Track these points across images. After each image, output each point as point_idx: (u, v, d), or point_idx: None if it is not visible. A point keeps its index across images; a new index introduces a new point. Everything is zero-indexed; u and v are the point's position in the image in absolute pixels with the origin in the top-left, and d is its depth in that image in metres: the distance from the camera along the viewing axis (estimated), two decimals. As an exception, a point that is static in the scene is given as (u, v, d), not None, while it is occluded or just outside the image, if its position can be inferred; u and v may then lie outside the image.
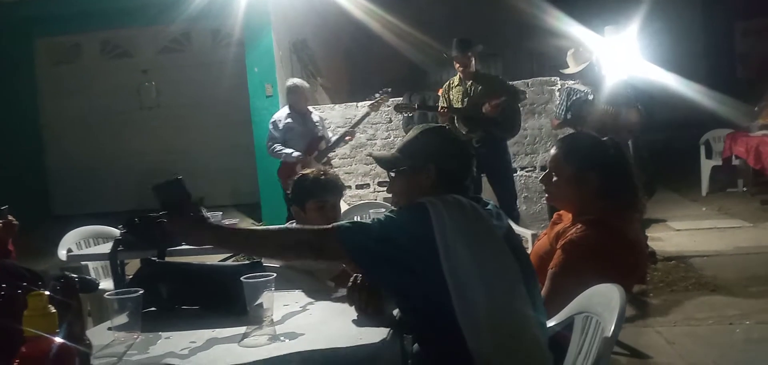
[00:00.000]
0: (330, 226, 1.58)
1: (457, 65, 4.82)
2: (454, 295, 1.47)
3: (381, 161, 1.88)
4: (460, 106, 4.82)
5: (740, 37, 10.50)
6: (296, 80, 5.26)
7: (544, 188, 2.03)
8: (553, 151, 2.02)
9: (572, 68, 4.71)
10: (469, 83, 4.83)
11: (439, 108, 4.92)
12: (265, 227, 1.70)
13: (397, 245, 1.51)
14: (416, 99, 5.15)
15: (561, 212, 2.10)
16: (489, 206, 1.68)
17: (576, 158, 1.95)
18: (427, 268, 1.49)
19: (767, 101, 6.75)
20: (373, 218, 1.59)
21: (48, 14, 7.03)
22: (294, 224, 2.48)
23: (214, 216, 3.57)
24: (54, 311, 1.05)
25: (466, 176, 1.74)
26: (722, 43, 10.36)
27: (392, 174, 1.76)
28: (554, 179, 1.98)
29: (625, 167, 1.99)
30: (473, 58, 4.81)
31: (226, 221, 3.35)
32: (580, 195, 1.94)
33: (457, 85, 4.89)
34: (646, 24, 6.29)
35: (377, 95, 5.26)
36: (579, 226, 1.91)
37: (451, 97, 4.90)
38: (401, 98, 6.24)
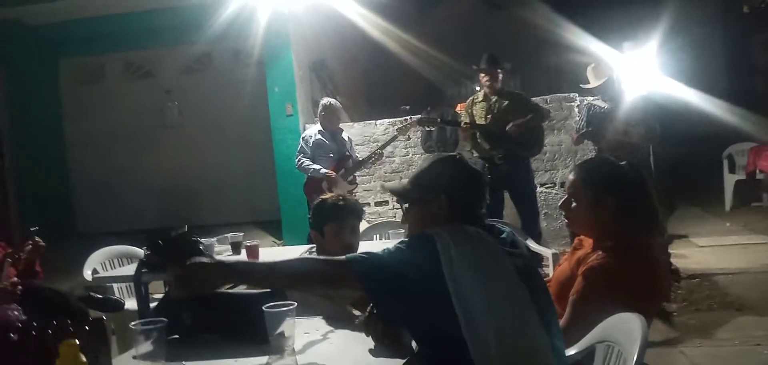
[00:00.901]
0: (343, 258, 1.58)
1: (484, 79, 4.81)
2: (464, 326, 1.47)
3: (394, 193, 1.90)
4: (483, 122, 4.81)
5: (760, 50, 10.34)
6: (331, 100, 5.35)
7: (563, 213, 2.03)
8: (571, 176, 2.02)
9: (592, 83, 4.70)
10: (494, 100, 4.82)
11: (462, 123, 4.92)
12: (277, 260, 1.68)
13: (406, 278, 1.52)
14: (435, 115, 5.16)
15: (582, 237, 2.09)
16: (504, 234, 1.69)
17: (594, 183, 1.95)
18: (436, 300, 1.50)
19: (791, 114, 6.63)
20: (384, 249, 1.60)
21: (72, 36, 7.21)
22: (313, 249, 2.51)
23: (234, 236, 3.63)
24: (85, 360, 1.06)
25: (480, 206, 1.75)
26: (742, 58, 10.21)
27: (405, 207, 1.78)
28: (573, 204, 1.98)
29: (644, 190, 1.98)
30: (501, 75, 4.81)
31: (248, 242, 3.40)
32: (600, 220, 1.93)
33: (481, 101, 4.88)
34: (666, 40, 6.25)
35: (406, 119, 5.31)
36: (599, 253, 1.90)
37: (475, 112, 4.88)
38: (420, 116, 6.28)
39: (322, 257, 1.68)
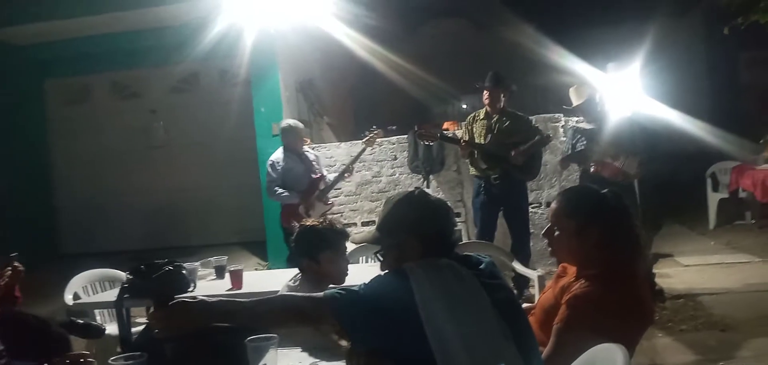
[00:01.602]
0: (321, 295, 1.60)
1: (486, 97, 4.81)
2: (440, 360, 1.48)
3: (367, 244, 1.91)
4: (482, 141, 4.80)
5: (744, 69, 10.53)
6: (290, 121, 5.25)
7: (547, 242, 2.03)
8: (553, 205, 2.03)
9: (574, 101, 4.75)
10: (495, 119, 4.81)
11: (461, 140, 4.93)
12: (257, 299, 1.68)
13: (382, 313, 1.54)
14: (424, 132, 5.11)
15: (565, 264, 2.10)
16: (482, 264, 1.69)
17: (577, 212, 1.96)
18: (411, 335, 1.51)
19: (772, 135, 6.74)
20: (360, 285, 1.61)
21: (58, 56, 7.17)
22: (299, 277, 2.49)
23: (218, 260, 3.59)
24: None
25: (451, 234, 1.75)
26: (726, 78, 10.39)
27: (380, 255, 1.78)
28: (556, 233, 1.99)
29: (626, 217, 1.99)
30: (503, 95, 4.81)
31: (232, 267, 3.36)
32: (583, 249, 1.94)
33: (482, 119, 4.87)
34: (649, 61, 6.34)
35: (368, 131, 5.25)
36: (582, 281, 1.91)
37: (475, 130, 4.87)
38: (406, 135, 6.30)
39: (301, 294, 1.68)
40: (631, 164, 4.43)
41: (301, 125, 5.23)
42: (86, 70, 7.47)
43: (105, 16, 6.42)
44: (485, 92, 4.80)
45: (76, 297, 3.59)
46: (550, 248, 2.03)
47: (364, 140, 5.27)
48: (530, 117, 5.14)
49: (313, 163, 5.14)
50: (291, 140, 5.05)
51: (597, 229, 1.91)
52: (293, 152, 5.05)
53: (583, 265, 1.94)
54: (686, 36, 10.44)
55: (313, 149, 5.67)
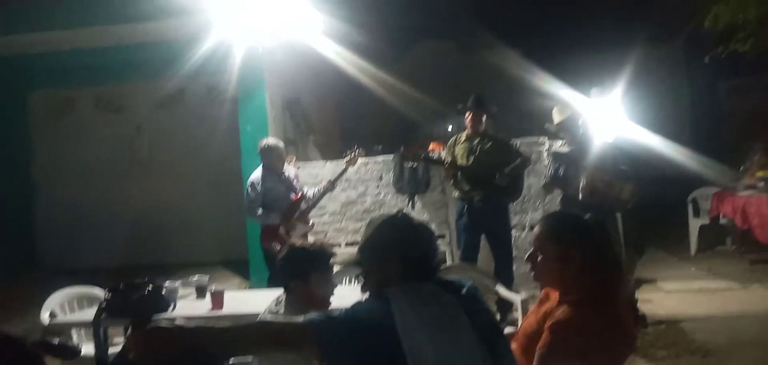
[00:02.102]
0: (301, 320, 1.58)
1: (469, 119, 4.85)
2: None
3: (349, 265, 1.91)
4: (464, 163, 4.83)
5: (725, 97, 10.74)
6: (269, 140, 5.17)
7: (530, 266, 2.04)
8: (536, 230, 2.03)
9: (557, 119, 4.80)
10: (476, 141, 4.85)
11: (444, 162, 4.94)
12: (237, 325, 1.64)
13: (362, 339, 1.53)
14: (407, 155, 5.12)
15: (548, 289, 2.10)
16: (464, 289, 1.69)
17: (560, 237, 1.97)
18: (392, 360, 1.50)
19: (752, 161, 6.85)
20: (341, 310, 1.60)
21: (43, 68, 7.10)
22: (282, 299, 2.47)
23: (200, 280, 3.55)
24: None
25: (433, 257, 1.75)
26: (707, 105, 10.59)
27: (361, 276, 1.78)
28: (539, 257, 2.00)
29: (608, 244, 2.01)
30: (485, 118, 4.86)
31: (213, 287, 3.32)
32: (565, 274, 1.95)
33: (464, 141, 4.91)
34: (631, 87, 6.44)
35: (349, 152, 5.20)
36: (565, 306, 1.91)
37: (457, 152, 4.90)
38: (392, 155, 6.30)
39: (281, 320, 1.66)
40: (625, 190, 4.47)
41: (281, 144, 5.16)
42: (71, 84, 7.41)
43: (93, 30, 6.38)
44: (467, 114, 4.85)
45: (52, 315, 3.52)
46: (533, 273, 2.03)
47: (346, 160, 5.23)
48: (513, 140, 5.18)
49: (293, 182, 5.08)
50: (270, 159, 4.97)
51: (579, 254, 1.92)
52: (273, 172, 4.97)
53: (566, 290, 1.95)
54: (668, 63, 10.65)
55: (297, 168, 5.64)
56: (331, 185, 5.16)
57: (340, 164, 6.33)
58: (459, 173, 4.83)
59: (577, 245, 1.94)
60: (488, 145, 4.84)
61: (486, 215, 4.83)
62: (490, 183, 4.73)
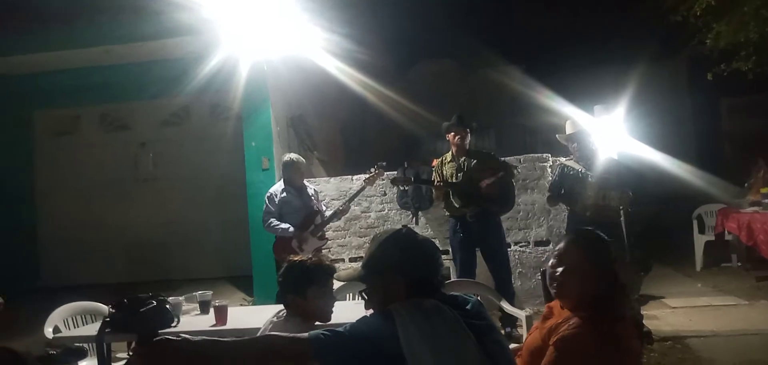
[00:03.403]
0: (305, 336, 1.57)
1: (454, 138, 4.89)
2: None
3: (353, 281, 1.90)
4: (454, 181, 4.88)
5: (727, 115, 10.75)
6: (292, 155, 5.30)
7: (556, 281, 1.99)
8: (561, 245, 2.02)
9: (569, 130, 4.82)
10: (462, 159, 4.92)
11: (435, 182, 4.97)
12: (241, 340, 1.66)
13: (366, 356, 1.52)
14: (411, 173, 5.19)
15: (553, 305, 2.09)
16: (468, 305, 1.68)
17: (585, 252, 1.96)
18: None
19: (756, 178, 6.84)
20: (345, 326, 1.59)
21: (48, 87, 7.15)
22: (283, 313, 2.46)
23: (203, 295, 3.55)
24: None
25: (436, 274, 1.74)
26: (709, 123, 10.60)
27: (365, 293, 1.77)
28: (560, 270, 1.98)
29: (618, 264, 2.01)
30: (468, 134, 4.90)
31: (217, 302, 3.32)
32: (582, 289, 1.93)
33: (450, 161, 4.98)
34: (635, 105, 6.46)
35: (372, 170, 5.29)
36: (572, 322, 1.90)
37: (445, 172, 4.96)
38: (396, 172, 6.31)
39: (283, 335, 1.65)
40: (620, 198, 4.47)
41: (303, 160, 5.29)
42: (75, 102, 7.46)
43: (98, 49, 6.44)
44: (451, 133, 4.89)
45: (56, 330, 3.51)
46: (553, 286, 2.01)
47: (365, 179, 5.31)
48: (517, 157, 5.20)
49: (312, 198, 5.18)
50: (290, 173, 5.10)
51: (598, 271, 1.92)
52: (292, 185, 5.10)
53: (578, 306, 1.94)
54: (670, 81, 10.68)
55: (316, 185, 5.71)
56: (347, 206, 5.28)
57: (345, 181, 6.38)
58: (450, 190, 4.86)
59: (598, 260, 1.94)
60: (474, 161, 4.89)
61: (479, 231, 4.85)
62: (482, 198, 4.76)
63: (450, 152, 5.01)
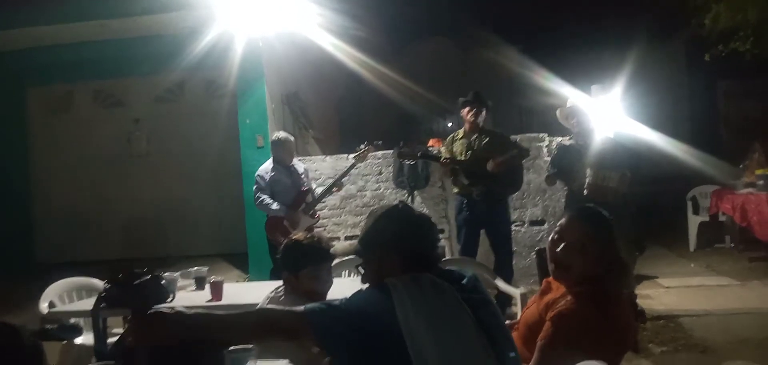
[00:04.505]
0: (301, 310, 1.56)
1: (468, 115, 4.83)
2: None
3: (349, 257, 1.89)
4: (463, 159, 4.85)
5: (723, 98, 10.76)
6: (281, 134, 5.28)
7: (557, 257, 1.97)
8: (563, 220, 2.01)
9: (568, 105, 4.80)
10: (474, 137, 4.85)
11: (442, 159, 4.95)
12: (235, 313, 1.65)
13: (363, 330, 1.51)
14: (409, 149, 5.14)
15: (551, 280, 2.09)
16: (464, 279, 1.68)
17: (587, 227, 1.96)
18: (392, 352, 1.49)
19: (751, 160, 6.85)
20: (341, 300, 1.58)
21: (41, 64, 7.07)
22: (281, 289, 2.46)
23: (199, 271, 3.54)
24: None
25: (432, 250, 1.74)
26: (706, 105, 10.61)
27: (361, 270, 1.76)
28: (561, 246, 1.96)
29: (618, 241, 2.01)
30: (483, 112, 4.86)
31: (212, 278, 3.32)
32: (583, 264, 1.93)
33: (461, 138, 4.91)
34: (632, 85, 6.45)
35: (362, 146, 5.26)
36: (569, 298, 1.90)
37: (455, 149, 4.90)
38: (391, 151, 6.30)
39: (279, 308, 1.65)
40: (616, 179, 4.46)
41: (291, 138, 5.27)
42: (69, 78, 7.38)
43: (92, 24, 6.36)
44: (466, 109, 4.85)
45: (51, 305, 3.51)
46: (552, 262, 2.00)
47: (355, 155, 5.28)
48: (514, 137, 5.17)
49: (302, 176, 5.17)
50: (280, 152, 5.08)
51: (599, 246, 1.92)
52: (282, 164, 5.08)
53: (577, 281, 1.93)
54: (668, 62, 10.67)
55: (306, 163, 5.69)
56: (340, 182, 5.27)
57: (340, 159, 6.36)
58: (458, 168, 4.83)
59: (599, 237, 1.94)
60: (486, 140, 4.84)
61: (485, 210, 4.82)
62: (490, 178, 4.73)
63: (462, 129, 4.94)
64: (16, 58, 6.95)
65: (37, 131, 7.67)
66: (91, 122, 7.57)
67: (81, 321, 3.54)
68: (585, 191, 4.46)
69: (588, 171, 4.50)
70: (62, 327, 2.83)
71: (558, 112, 4.91)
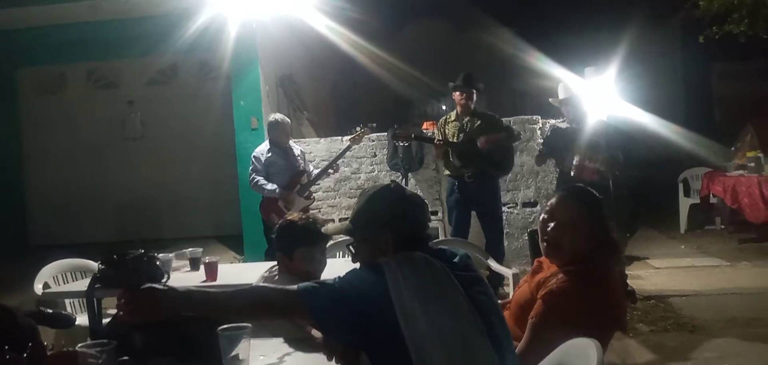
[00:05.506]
0: (294, 288, 1.57)
1: (459, 97, 4.86)
2: (414, 355, 1.48)
3: (339, 234, 1.89)
4: (455, 140, 4.87)
5: (717, 80, 10.78)
6: (277, 115, 5.30)
7: (548, 236, 2.00)
8: (554, 199, 2.03)
9: (561, 95, 4.83)
10: (466, 119, 4.89)
11: (435, 140, 4.97)
12: (228, 291, 1.66)
13: (356, 309, 1.53)
14: (403, 132, 5.16)
15: (542, 259, 2.12)
16: (456, 258, 1.70)
17: (577, 205, 1.99)
18: (386, 330, 1.50)
19: (743, 142, 6.89)
20: (334, 279, 1.59)
21: (32, 44, 6.99)
22: (275, 269, 2.48)
23: (193, 252, 3.56)
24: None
25: (424, 229, 1.75)
26: (700, 87, 10.64)
27: (352, 249, 1.77)
28: (552, 225, 1.99)
29: (610, 220, 2.04)
30: (475, 94, 4.88)
31: (207, 259, 3.33)
32: (574, 242, 1.95)
33: (454, 120, 4.95)
34: (625, 67, 6.45)
35: (358, 129, 5.29)
36: (560, 276, 1.93)
37: (447, 131, 4.94)
38: (386, 133, 6.30)
39: (273, 287, 1.66)
40: (605, 161, 4.49)
41: (288, 120, 5.30)
42: (61, 59, 7.30)
43: (84, 3, 6.29)
44: (458, 92, 4.86)
45: (46, 286, 3.52)
46: (543, 240, 2.02)
47: (350, 138, 5.31)
48: (507, 119, 5.19)
49: (298, 158, 5.21)
50: (276, 134, 5.11)
51: (590, 225, 1.95)
52: (278, 146, 5.11)
53: (568, 260, 1.96)
54: (662, 44, 10.66)
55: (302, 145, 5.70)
56: (335, 164, 5.29)
57: (335, 142, 6.36)
58: (450, 150, 4.86)
59: (590, 215, 1.97)
60: (478, 123, 4.88)
61: (476, 192, 4.87)
62: (481, 159, 4.77)
63: (454, 112, 4.98)
64: (6, 38, 6.86)
65: (28, 113, 7.60)
66: (84, 103, 7.51)
67: (76, 305, 3.57)
68: (572, 172, 4.49)
69: (578, 153, 4.53)
70: (55, 316, 2.84)
71: (551, 100, 4.94)
